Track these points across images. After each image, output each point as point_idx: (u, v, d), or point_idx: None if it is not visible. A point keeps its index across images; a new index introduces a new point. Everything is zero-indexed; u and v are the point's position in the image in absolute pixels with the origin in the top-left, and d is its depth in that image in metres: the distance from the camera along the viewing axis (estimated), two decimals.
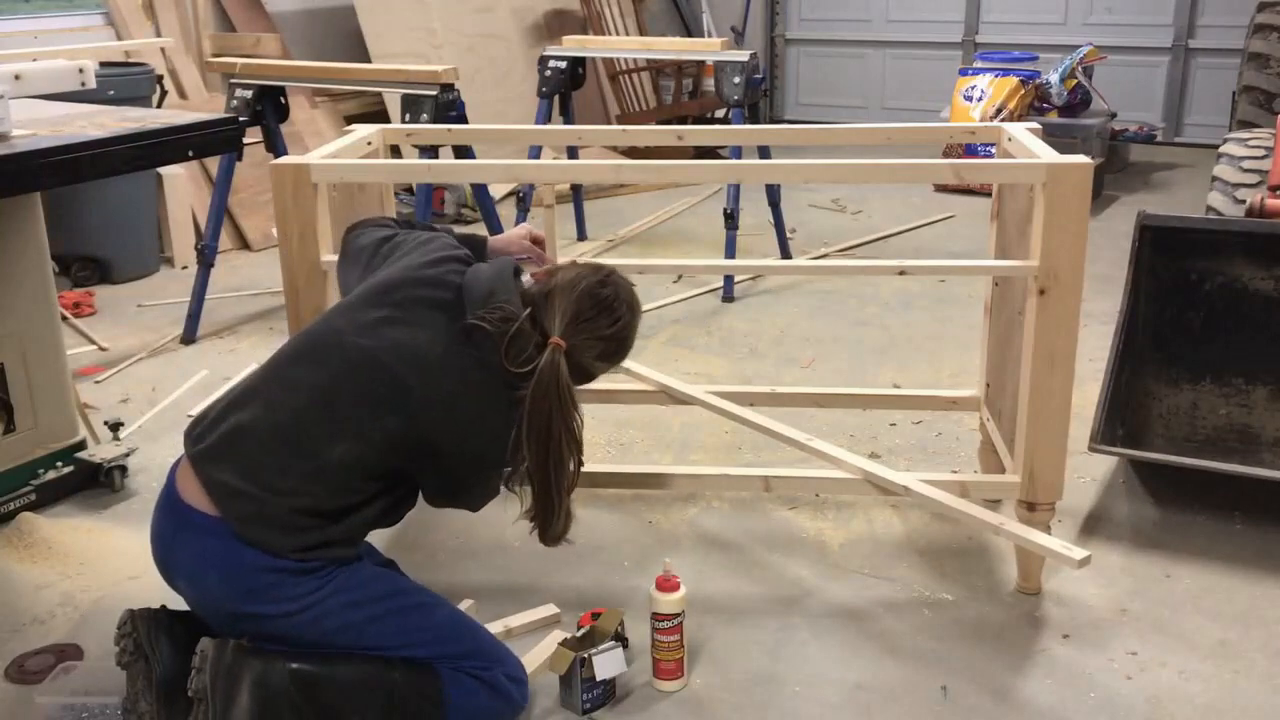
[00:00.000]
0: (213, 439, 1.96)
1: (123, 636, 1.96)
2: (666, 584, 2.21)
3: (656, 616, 2.20)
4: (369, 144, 2.78)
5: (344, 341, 1.96)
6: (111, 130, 2.65)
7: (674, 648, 2.21)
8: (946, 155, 6.07)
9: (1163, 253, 3.17)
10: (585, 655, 2.13)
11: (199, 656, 1.88)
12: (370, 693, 1.94)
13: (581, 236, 5.63)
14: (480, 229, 4.59)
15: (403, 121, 3.95)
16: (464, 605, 2.45)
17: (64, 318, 3.94)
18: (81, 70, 3.21)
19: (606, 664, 2.14)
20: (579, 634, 2.21)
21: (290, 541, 1.90)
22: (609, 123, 7.17)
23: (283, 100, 4.38)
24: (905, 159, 2.60)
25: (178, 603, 2.02)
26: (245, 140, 3.93)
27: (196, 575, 1.93)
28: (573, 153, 5.25)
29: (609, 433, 3.41)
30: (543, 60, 5.17)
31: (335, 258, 2.46)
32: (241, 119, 4.11)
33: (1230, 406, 3.14)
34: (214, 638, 1.91)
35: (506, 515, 2.90)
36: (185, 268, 5.15)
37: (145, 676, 1.93)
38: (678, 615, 2.20)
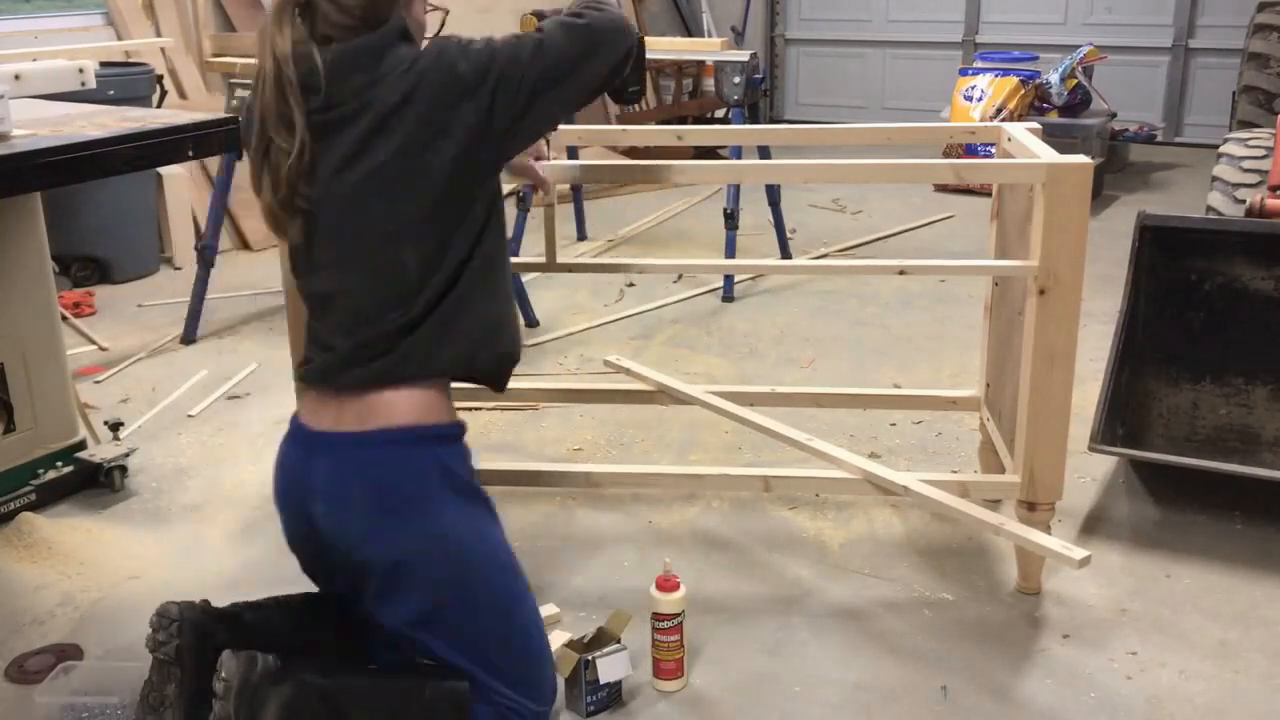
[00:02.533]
0: (314, 351, 1.99)
1: (164, 630, 1.91)
2: (666, 584, 2.21)
3: (657, 616, 2.20)
4: None
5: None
6: (111, 130, 2.65)
7: (674, 648, 2.21)
8: (946, 155, 6.07)
9: (1163, 253, 3.17)
10: (589, 658, 2.13)
11: (222, 684, 1.82)
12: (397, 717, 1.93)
13: (581, 236, 5.63)
14: None
15: None
16: None
17: (64, 318, 3.94)
18: (81, 70, 3.21)
19: (610, 667, 2.14)
20: (584, 636, 2.21)
21: (413, 369, 1.91)
22: (609, 123, 7.17)
23: None
24: (905, 159, 2.61)
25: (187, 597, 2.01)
26: None
27: (336, 492, 1.91)
28: (573, 153, 5.25)
29: (609, 433, 3.41)
30: None
31: None
32: (241, 119, 4.10)
33: (1230, 406, 3.14)
34: (238, 653, 1.84)
35: (507, 516, 2.91)
36: (180, 269, 5.16)
37: (179, 684, 1.89)
38: (678, 615, 2.20)
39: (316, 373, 1.96)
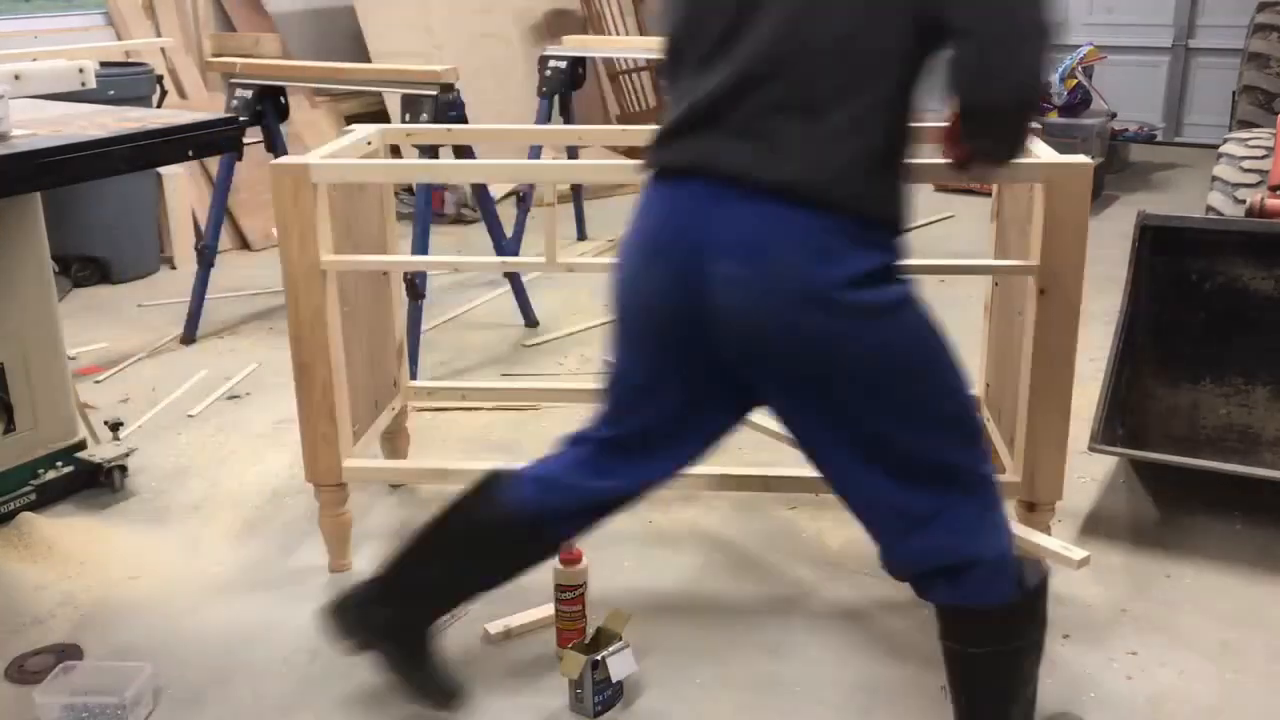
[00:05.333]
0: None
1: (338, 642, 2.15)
2: (568, 558, 2.31)
3: (560, 588, 2.31)
4: (369, 144, 2.78)
5: None
6: (111, 130, 2.65)
7: (576, 617, 2.32)
8: None
9: (1163, 253, 3.17)
10: (599, 658, 2.14)
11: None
12: None
13: (581, 236, 5.63)
14: (480, 229, 4.58)
15: (403, 121, 3.95)
16: None
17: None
18: (81, 70, 3.20)
19: (619, 664, 2.16)
20: (585, 637, 2.23)
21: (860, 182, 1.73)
22: (609, 123, 7.17)
23: (283, 100, 4.38)
24: None
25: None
26: (245, 140, 3.93)
27: (756, 246, 1.67)
28: (573, 153, 5.25)
29: None
30: (543, 60, 5.16)
31: (335, 257, 2.46)
32: (241, 119, 4.11)
33: (1230, 406, 3.14)
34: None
35: None
36: (180, 269, 5.16)
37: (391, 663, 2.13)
38: (579, 586, 2.31)
39: None
